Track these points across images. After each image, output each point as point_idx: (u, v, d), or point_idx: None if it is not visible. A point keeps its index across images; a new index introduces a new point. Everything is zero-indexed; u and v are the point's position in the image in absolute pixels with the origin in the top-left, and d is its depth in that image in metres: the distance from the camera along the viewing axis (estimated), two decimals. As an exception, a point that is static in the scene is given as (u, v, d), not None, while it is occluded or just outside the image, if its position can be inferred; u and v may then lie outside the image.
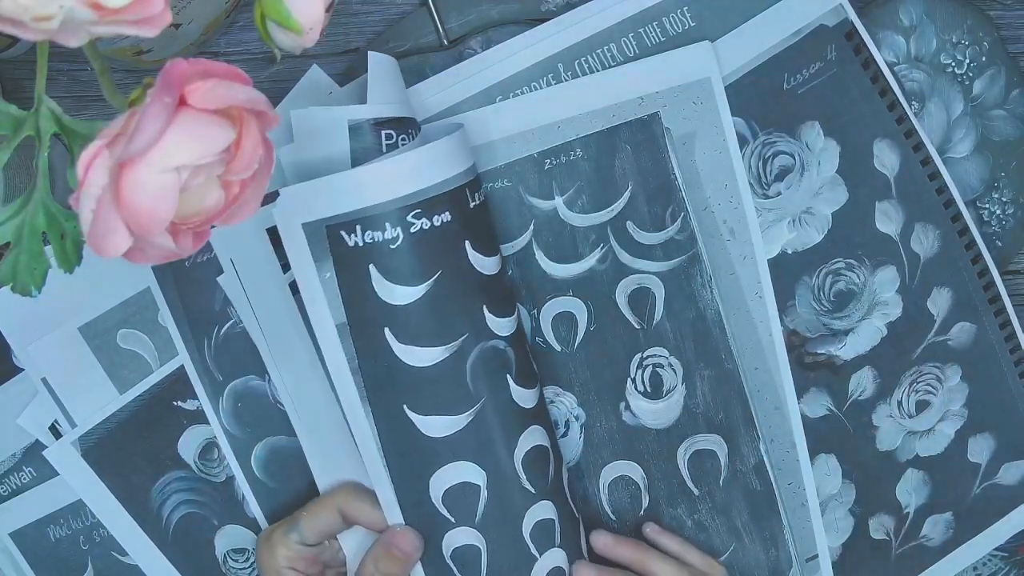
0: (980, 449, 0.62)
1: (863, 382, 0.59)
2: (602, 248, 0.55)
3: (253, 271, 0.53)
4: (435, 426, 0.49)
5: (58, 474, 0.55)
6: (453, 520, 0.50)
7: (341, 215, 0.46)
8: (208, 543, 0.57)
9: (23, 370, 0.55)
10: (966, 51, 0.58)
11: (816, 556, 0.60)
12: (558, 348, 0.55)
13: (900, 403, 0.60)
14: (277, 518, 0.54)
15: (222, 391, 0.55)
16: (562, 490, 0.52)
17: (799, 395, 0.58)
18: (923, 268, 0.59)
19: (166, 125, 0.28)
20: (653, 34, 0.54)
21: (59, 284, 0.37)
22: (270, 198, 0.53)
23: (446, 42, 0.55)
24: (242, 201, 0.32)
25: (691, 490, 0.57)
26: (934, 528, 0.62)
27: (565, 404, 0.56)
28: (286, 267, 0.51)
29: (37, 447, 0.55)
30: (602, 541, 0.54)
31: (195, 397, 0.55)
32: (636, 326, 0.56)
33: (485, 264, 0.49)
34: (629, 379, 0.56)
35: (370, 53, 0.49)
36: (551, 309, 0.55)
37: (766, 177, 0.57)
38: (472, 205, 0.49)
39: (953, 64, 0.58)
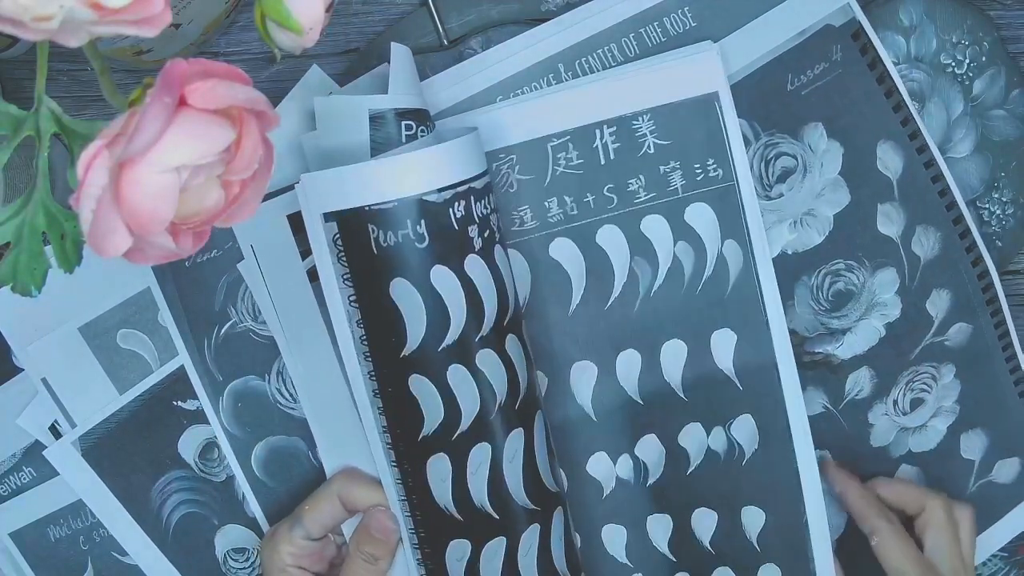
0: (973, 446, 0.61)
1: (860, 382, 0.59)
2: None
3: (273, 257, 0.53)
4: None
5: (58, 474, 0.55)
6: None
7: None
8: (208, 543, 0.57)
9: (23, 370, 0.54)
10: (966, 51, 0.58)
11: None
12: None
13: (896, 402, 0.60)
14: (277, 518, 0.55)
15: (222, 391, 0.55)
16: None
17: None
18: (923, 270, 0.59)
19: (166, 125, 0.28)
20: (654, 34, 0.54)
21: (59, 284, 0.37)
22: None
23: (446, 42, 0.55)
24: (242, 201, 0.32)
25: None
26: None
27: None
28: (304, 254, 0.52)
29: (37, 447, 0.55)
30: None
31: (195, 397, 0.55)
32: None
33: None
34: None
35: (392, 44, 0.48)
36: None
37: (768, 178, 0.56)
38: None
39: (953, 64, 0.58)
